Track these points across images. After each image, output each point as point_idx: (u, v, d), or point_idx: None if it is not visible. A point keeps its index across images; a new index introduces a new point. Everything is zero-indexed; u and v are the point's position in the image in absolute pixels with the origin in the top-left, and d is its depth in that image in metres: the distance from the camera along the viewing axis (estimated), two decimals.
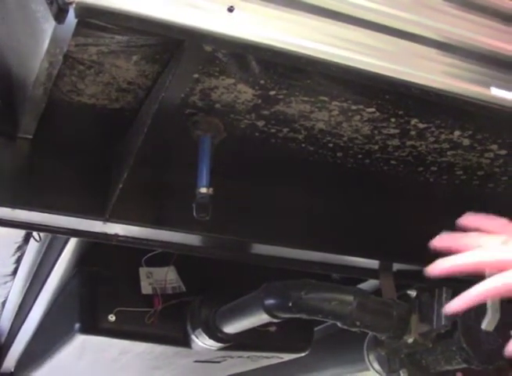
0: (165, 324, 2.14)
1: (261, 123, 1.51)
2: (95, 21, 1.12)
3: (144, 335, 2.15)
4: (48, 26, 1.10)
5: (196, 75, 1.32)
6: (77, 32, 1.12)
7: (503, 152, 1.65)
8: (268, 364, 2.53)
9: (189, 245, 1.72)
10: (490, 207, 1.90)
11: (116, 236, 1.66)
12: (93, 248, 1.98)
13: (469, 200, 1.86)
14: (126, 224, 1.60)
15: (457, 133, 1.56)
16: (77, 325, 2.09)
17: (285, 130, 1.53)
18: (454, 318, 1.69)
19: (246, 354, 2.32)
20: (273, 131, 1.53)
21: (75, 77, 1.35)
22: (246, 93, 1.39)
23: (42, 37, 1.15)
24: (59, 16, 1.02)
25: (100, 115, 1.48)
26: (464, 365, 1.76)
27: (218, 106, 1.44)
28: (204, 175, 1.45)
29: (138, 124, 1.43)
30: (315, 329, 2.36)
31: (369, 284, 2.01)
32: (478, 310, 1.56)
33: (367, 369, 1.98)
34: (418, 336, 1.73)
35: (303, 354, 2.35)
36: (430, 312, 1.74)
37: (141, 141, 1.40)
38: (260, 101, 1.42)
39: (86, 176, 1.56)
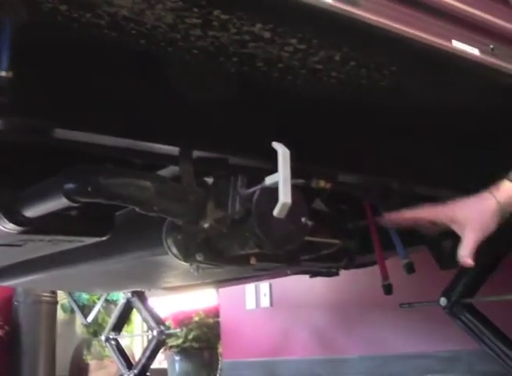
0: None
1: (63, 7, 1.47)
2: None
3: None
4: None
5: None
6: None
7: (302, 46, 1.70)
8: (70, 247, 2.54)
9: None
10: (289, 97, 1.99)
11: None
12: None
13: (271, 91, 1.94)
14: None
15: (259, 26, 1.59)
16: None
17: (88, 15, 1.50)
18: (248, 205, 1.76)
19: (47, 238, 2.32)
20: (76, 15, 1.50)
21: None
22: None
23: None
24: None
25: None
26: (257, 250, 1.85)
27: None
28: (4, 58, 1.41)
29: None
30: (117, 214, 2.39)
31: (169, 171, 2.04)
32: (271, 197, 1.62)
33: (166, 253, 2.03)
34: (214, 221, 1.80)
35: (104, 238, 2.39)
36: (225, 199, 1.80)
37: None
38: None
39: None
